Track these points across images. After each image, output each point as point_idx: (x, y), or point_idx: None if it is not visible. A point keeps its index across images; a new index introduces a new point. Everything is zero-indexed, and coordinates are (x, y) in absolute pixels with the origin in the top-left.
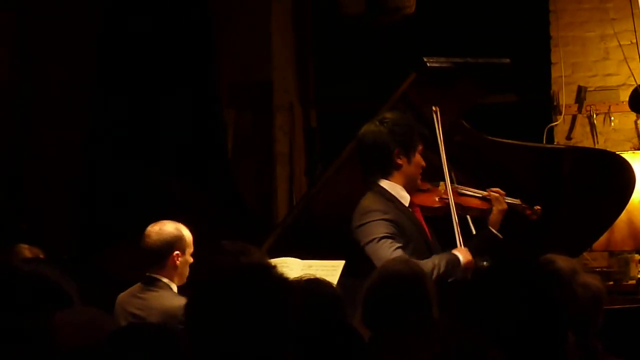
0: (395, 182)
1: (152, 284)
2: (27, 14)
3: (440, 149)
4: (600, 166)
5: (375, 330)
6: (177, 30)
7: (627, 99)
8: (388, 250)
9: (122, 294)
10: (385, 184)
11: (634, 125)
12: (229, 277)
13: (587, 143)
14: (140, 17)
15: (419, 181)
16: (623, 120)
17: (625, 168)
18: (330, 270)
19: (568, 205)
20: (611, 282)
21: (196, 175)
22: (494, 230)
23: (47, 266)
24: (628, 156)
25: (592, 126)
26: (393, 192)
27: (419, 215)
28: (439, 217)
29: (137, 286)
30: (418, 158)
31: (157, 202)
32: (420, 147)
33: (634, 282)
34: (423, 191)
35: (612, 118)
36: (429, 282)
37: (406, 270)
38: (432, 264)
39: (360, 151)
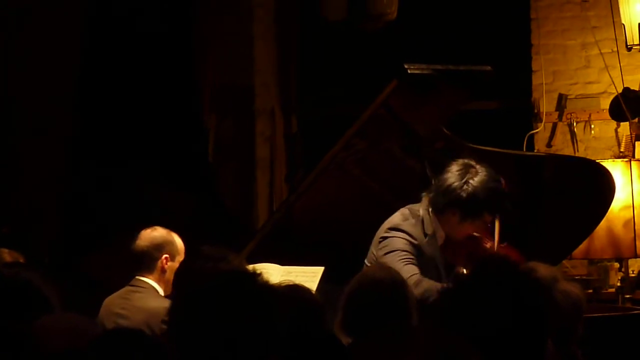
0: (439, 222)
1: (139, 285)
2: (9, 21)
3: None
4: (581, 174)
5: (355, 336)
6: (160, 34)
7: (608, 107)
8: (399, 262)
9: (109, 297)
10: (432, 215)
11: (614, 134)
12: (215, 284)
13: (568, 151)
14: (123, 21)
15: (458, 239)
16: (603, 128)
17: (606, 176)
18: (310, 277)
19: (548, 213)
20: (591, 290)
21: (178, 180)
22: None
23: (28, 271)
24: (608, 164)
25: (573, 134)
26: (433, 224)
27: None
28: None
29: (124, 289)
30: (467, 226)
31: (140, 207)
32: (484, 219)
33: (613, 290)
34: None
35: (593, 126)
36: (409, 289)
37: (386, 277)
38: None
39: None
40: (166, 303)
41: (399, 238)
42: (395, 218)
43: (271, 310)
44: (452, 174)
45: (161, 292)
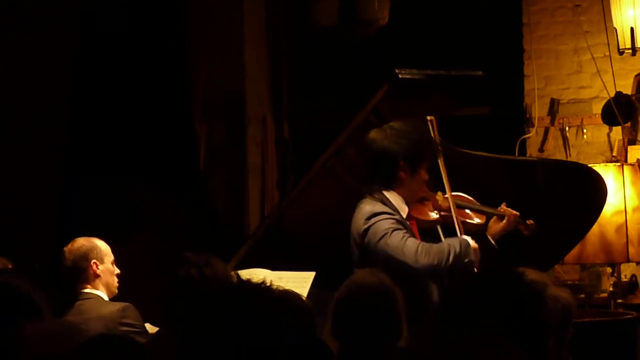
0: (397, 194)
1: (82, 297)
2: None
3: (439, 160)
4: (573, 179)
5: (344, 342)
6: (150, 42)
7: (600, 111)
8: (401, 241)
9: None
10: (387, 193)
11: (606, 138)
12: (222, 293)
13: (560, 156)
14: (113, 28)
15: (419, 194)
16: (596, 133)
17: (598, 181)
18: (300, 282)
19: (540, 217)
20: (582, 295)
21: (169, 187)
22: (492, 241)
23: (18, 277)
24: (600, 169)
25: (565, 139)
26: (394, 202)
27: (415, 229)
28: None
29: (74, 305)
30: (422, 172)
31: (130, 215)
32: (426, 162)
33: (605, 295)
34: (419, 201)
35: (585, 131)
36: (398, 294)
37: (376, 283)
38: (447, 245)
39: (366, 158)
40: (116, 306)
41: (382, 220)
42: (366, 208)
43: (275, 317)
44: (377, 142)
45: (105, 297)
